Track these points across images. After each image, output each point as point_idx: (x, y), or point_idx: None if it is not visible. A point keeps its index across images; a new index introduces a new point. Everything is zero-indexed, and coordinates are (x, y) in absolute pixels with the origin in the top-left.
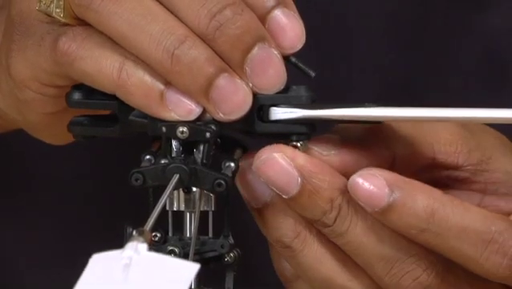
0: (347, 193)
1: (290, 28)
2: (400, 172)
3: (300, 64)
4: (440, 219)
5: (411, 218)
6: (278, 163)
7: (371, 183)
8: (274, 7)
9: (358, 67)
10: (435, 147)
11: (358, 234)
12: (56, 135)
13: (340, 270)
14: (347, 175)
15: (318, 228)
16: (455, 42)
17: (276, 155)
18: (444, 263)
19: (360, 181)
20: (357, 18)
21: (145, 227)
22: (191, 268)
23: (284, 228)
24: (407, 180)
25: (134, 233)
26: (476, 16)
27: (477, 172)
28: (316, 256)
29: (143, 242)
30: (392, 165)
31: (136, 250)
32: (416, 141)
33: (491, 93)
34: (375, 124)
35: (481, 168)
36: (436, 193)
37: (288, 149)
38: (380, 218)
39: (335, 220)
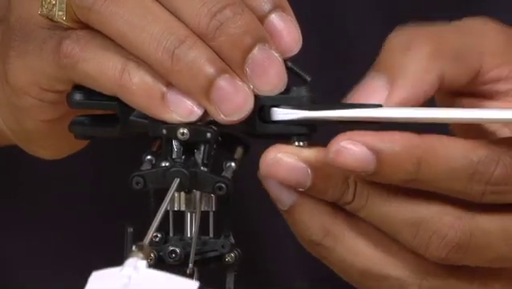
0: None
1: (287, 32)
2: (446, 90)
3: (296, 69)
4: (427, 166)
5: (399, 174)
6: (285, 162)
7: (356, 146)
8: (271, 11)
9: (357, 69)
10: (481, 60)
11: (378, 203)
12: (53, 145)
13: (376, 259)
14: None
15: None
16: None
17: (280, 155)
18: (469, 220)
19: (346, 144)
20: (357, 21)
21: (144, 241)
22: (190, 286)
23: (312, 227)
24: (385, 137)
25: (133, 248)
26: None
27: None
28: (349, 249)
29: (142, 258)
30: (442, 83)
31: (136, 267)
32: (463, 55)
33: None
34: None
35: None
36: (416, 140)
37: (288, 147)
38: (372, 179)
39: (354, 195)
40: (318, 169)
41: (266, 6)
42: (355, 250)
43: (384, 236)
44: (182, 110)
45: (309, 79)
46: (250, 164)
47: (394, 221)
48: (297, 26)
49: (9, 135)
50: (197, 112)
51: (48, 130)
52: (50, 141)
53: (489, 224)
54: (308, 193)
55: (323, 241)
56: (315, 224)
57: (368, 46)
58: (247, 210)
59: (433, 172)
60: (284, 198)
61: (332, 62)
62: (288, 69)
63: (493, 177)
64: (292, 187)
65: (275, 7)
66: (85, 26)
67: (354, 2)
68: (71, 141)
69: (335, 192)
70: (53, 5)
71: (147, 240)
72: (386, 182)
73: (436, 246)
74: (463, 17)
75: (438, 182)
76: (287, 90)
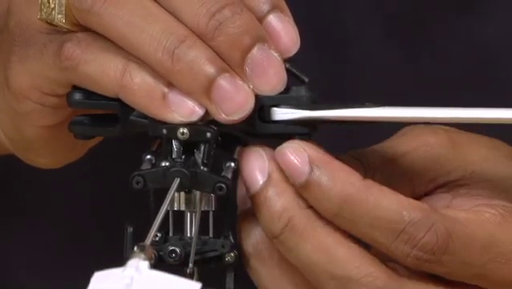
0: (304, 208)
1: (285, 33)
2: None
3: (294, 70)
4: (352, 206)
5: (325, 201)
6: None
7: (295, 156)
8: (269, 12)
9: (355, 71)
10: (413, 182)
11: (308, 250)
12: (51, 154)
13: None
14: None
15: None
16: (454, 47)
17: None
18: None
19: (287, 152)
20: (355, 21)
21: (146, 242)
22: (193, 287)
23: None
24: (329, 160)
25: (135, 249)
26: (475, 21)
27: (461, 186)
28: (274, 276)
29: (144, 259)
30: None
31: (138, 268)
32: (394, 180)
33: (487, 97)
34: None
35: (463, 183)
36: (355, 177)
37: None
38: (301, 193)
39: (282, 231)
40: (269, 186)
41: (264, 7)
42: (278, 278)
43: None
44: (183, 110)
45: (307, 79)
46: None
47: (321, 271)
48: (295, 26)
49: (6, 144)
50: (199, 112)
51: (47, 137)
52: (49, 149)
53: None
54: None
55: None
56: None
57: (366, 47)
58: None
59: (355, 213)
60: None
61: (330, 63)
62: (286, 70)
63: (420, 242)
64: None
65: (273, 8)
66: (84, 29)
67: (352, 2)
68: (69, 149)
69: (267, 217)
70: (52, 8)
71: (148, 240)
72: (316, 207)
73: None
74: (463, 17)
75: (359, 226)
76: (287, 90)
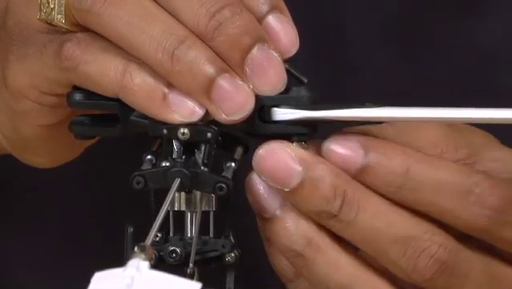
0: (351, 180)
1: (284, 33)
2: None
3: (293, 70)
4: (415, 174)
5: (387, 176)
6: (278, 153)
7: (345, 147)
8: (268, 12)
9: (354, 72)
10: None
11: (367, 218)
12: (49, 153)
13: (356, 277)
14: None
15: (324, 224)
16: (454, 48)
17: (275, 145)
18: (457, 237)
19: (334, 146)
20: (354, 23)
21: (146, 242)
22: (193, 287)
23: (296, 236)
24: (380, 140)
25: (135, 249)
26: (475, 22)
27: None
28: (330, 263)
29: (145, 259)
30: None
31: (138, 268)
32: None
33: (487, 99)
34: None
35: (471, 162)
36: (410, 150)
37: (285, 143)
38: (359, 179)
39: (341, 207)
40: (310, 170)
41: (264, 7)
42: (336, 264)
43: (366, 256)
44: (184, 110)
45: (306, 80)
46: (250, 164)
47: (383, 238)
48: (294, 27)
49: (3, 143)
50: (199, 112)
51: (45, 136)
52: (46, 148)
53: (472, 254)
54: (290, 196)
55: (304, 251)
56: (299, 232)
57: (366, 49)
58: (247, 210)
59: (419, 179)
60: (270, 203)
61: (329, 64)
62: (285, 70)
63: (488, 202)
64: (277, 188)
65: (272, 8)
66: (84, 29)
67: (352, 3)
68: (66, 149)
69: (319, 200)
70: (51, 9)
71: (149, 241)
72: (375, 186)
73: (424, 264)
74: (462, 19)
75: (424, 193)
76: (287, 90)
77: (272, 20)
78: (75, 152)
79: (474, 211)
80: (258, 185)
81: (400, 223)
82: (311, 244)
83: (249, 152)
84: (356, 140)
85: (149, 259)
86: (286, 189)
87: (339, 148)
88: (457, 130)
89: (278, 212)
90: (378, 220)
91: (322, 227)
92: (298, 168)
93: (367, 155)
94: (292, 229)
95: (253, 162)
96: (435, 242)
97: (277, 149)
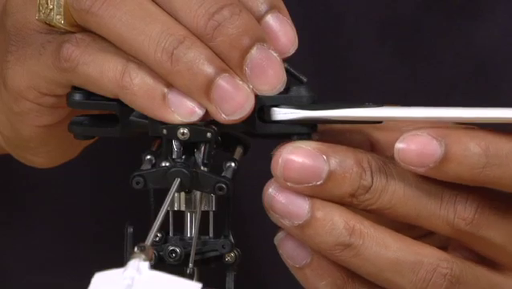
0: (367, 152)
1: (283, 33)
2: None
3: (292, 70)
4: (496, 149)
5: (470, 159)
6: (300, 152)
7: (416, 142)
8: (267, 12)
9: (353, 72)
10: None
11: (399, 180)
12: (47, 153)
13: (405, 247)
14: None
15: (360, 202)
16: (451, 50)
17: (297, 144)
18: (485, 199)
19: (404, 144)
20: (353, 26)
21: (146, 242)
22: (192, 287)
23: (337, 229)
24: (449, 128)
25: (135, 249)
26: (472, 24)
27: None
28: (378, 242)
29: (145, 259)
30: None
31: (138, 268)
32: (388, 125)
33: (485, 100)
34: None
35: None
36: (477, 129)
37: (297, 142)
38: (438, 172)
39: (372, 176)
40: (333, 156)
41: (262, 7)
42: (384, 242)
43: (403, 225)
44: (183, 110)
45: (305, 80)
46: (250, 164)
47: (419, 194)
48: (293, 27)
49: (3, 144)
50: (199, 112)
51: (44, 136)
52: (45, 149)
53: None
54: (325, 188)
55: (350, 240)
56: (339, 224)
57: (363, 51)
58: (247, 210)
59: (504, 153)
60: (300, 206)
61: (327, 64)
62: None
63: None
64: (306, 191)
65: (271, 8)
66: (83, 30)
67: (350, 4)
68: (66, 149)
69: (353, 177)
70: (50, 9)
71: (149, 241)
72: (459, 172)
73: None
74: (460, 21)
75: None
76: (287, 90)
77: (271, 20)
78: (73, 152)
79: None
80: (279, 196)
81: (431, 180)
82: (355, 230)
83: (248, 152)
84: (427, 133)
85: (149, 259)
86: (319, 182)
87: (411, 144)
88: None
89: (309, 213)
90: (410, 178)
91: (357, 212)
92: (323, 157)
93: (442, 144)
94: (331, 223)
95: (275, 171)
96: (463, 199)
97: (301, 146)
